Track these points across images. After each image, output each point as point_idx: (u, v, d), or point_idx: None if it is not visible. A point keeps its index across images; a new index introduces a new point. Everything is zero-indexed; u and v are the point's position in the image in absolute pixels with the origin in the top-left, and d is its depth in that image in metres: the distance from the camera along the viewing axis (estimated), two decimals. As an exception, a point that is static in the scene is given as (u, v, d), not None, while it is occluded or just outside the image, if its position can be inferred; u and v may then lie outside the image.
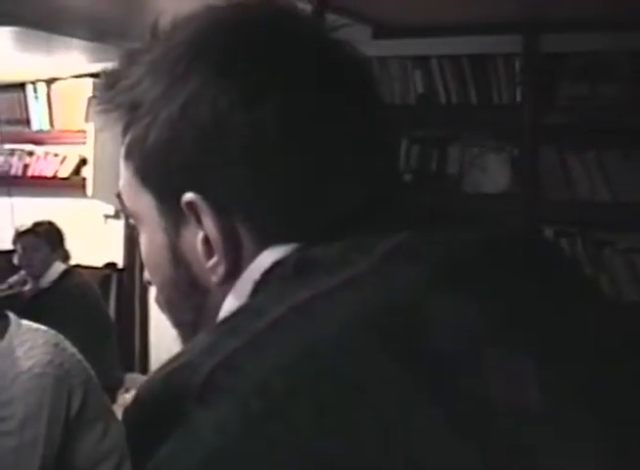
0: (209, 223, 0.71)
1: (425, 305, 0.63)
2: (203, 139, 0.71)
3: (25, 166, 5.79)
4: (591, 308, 0.72)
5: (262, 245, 0.71)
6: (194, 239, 0.73)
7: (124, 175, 0.78)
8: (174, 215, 0.74)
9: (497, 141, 3.81)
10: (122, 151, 0.77)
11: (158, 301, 0.82)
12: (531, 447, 0.58)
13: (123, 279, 5.35)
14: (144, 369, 5.33)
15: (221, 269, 0.72)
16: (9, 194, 5.56)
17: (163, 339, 5.69)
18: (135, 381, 5.12)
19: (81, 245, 4.81)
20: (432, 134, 3.92)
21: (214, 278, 0.73)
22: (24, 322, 2.33)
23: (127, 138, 0.76)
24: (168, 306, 0.81)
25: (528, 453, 0.58)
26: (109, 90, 0.77)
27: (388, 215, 0.72)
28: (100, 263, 5.29)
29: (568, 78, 3.69)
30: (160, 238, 0.76)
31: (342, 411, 0.58)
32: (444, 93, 3.91)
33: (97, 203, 5.25)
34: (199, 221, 0.72)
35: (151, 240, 0.78)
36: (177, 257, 0.76)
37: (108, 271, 5.32)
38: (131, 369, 5.22)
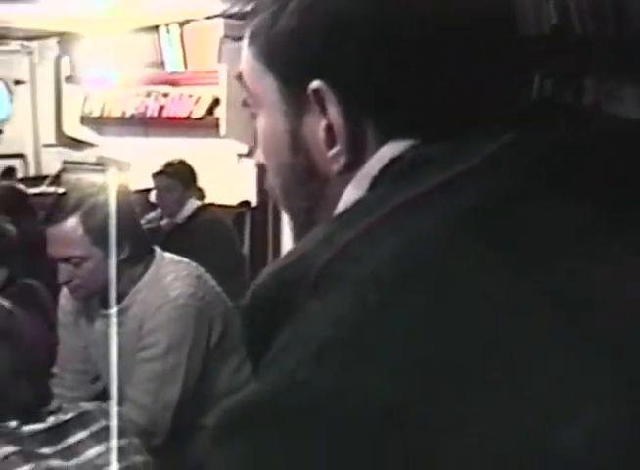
0: (334, 112, 0.71)
1: (525, 203, 0.63)
2: (332, 30, 0.71)
3: (161, 108, 5.94)
4: None
5: (383, 138, 0.71)
6: (316, 126, 0.73)
7: (247, 58, 0.78)
8: (298, 102, 0.74)
9: (635, 72, 3.68)
10: (247, 33, 0.77)
11: (271, 186, 0.81)
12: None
13: (256, 217, 5.42)
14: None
15: (342, 159, 0.73)
16: (146, 134, 5.72)
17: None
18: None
19: (215, 184, 4.90)
20: (566, 66, 3.81)
21: (335, 167, 0.73)
22: (168, 254, 2.42)
23: (253, 22, 0.76)
24: (283, 192, 0.80)
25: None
26: None
27: (506, 120, 0.71)
28: (233, 202, 5.37)
29: None
30: (281, 122, 0.76)
31: (448, 302, 0.58)
32: (580, 23, 3.78)
33: (230, 142, 5.35)
34: (323, 110, 0.72)
35: (270, 123, 0.78)
36: (297, 142, 0.75)
37: (241, 209, 5.39)
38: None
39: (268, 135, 0.79)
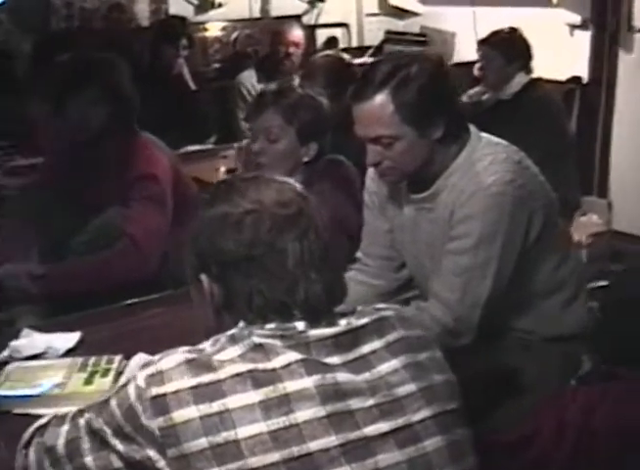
0: None
1: None
2: None
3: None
4: None
5: None
6: None
7: None
8: None
9: None
10: None
11: None
12: None
13: (587, 95, 5.05)
14: (602, 193, 5.06)
15: None
16: (472, 3, 5.41)
17: (625, 161, 5.31)
18: (593, 205, 4.87)
19: (544, 57, 4.60)
20: None
21: None
22: (484, 135, 2.16)
23: None
24: None
25: None
26: None
27: None
28: (563, 77, 5.05)
29: None
30: None
31: None
32: None
33: (562, 12, 5.00)
34: None
35: None
36: None
37: (571, 86, 5.08)
38: (589, 192, 4.99)
39: None
